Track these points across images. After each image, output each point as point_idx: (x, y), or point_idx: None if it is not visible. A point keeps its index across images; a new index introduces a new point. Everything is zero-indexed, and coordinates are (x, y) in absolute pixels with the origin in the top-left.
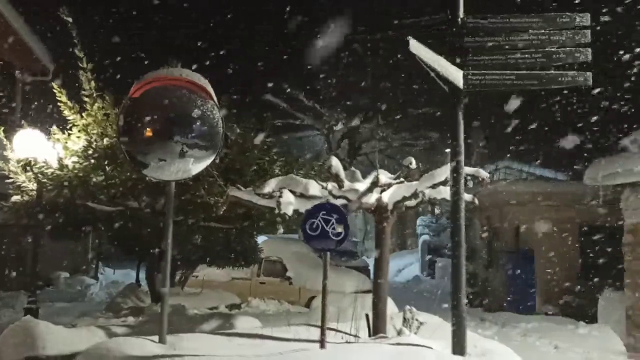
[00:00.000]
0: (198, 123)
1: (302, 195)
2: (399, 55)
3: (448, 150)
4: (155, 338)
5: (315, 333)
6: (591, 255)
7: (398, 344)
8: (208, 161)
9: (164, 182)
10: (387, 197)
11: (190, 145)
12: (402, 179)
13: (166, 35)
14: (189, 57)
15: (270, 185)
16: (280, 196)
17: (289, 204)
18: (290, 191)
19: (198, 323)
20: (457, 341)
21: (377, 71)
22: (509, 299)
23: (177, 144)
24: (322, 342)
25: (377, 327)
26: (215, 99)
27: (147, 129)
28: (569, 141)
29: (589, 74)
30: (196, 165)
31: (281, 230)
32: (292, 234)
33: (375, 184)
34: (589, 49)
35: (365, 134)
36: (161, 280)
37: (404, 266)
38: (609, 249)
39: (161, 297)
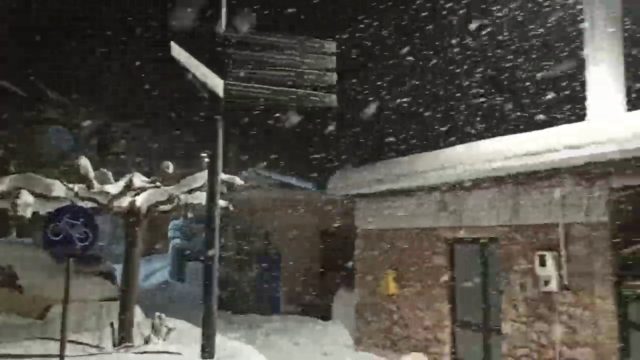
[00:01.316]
0: None
1: (43, 196)
2: (160, 54)
3: (205, 155)
4: None
5: (53, 347)
6: (330, 258)
7: (145, 352)
8: None
9: None
10: (141, 200)
11: None
12: (157, 183)
13: None
14: None
15: (3, 184)
16: (17, 197)
17: (27, 205)
18: (30, 191)
19: None
20: (207, 345)
21: (137, 71)
22: (256, 301)
23: None
24: (61, 357)
25: (123, 336)
26: None
27: None
28: (317, 153)
29: (334, 96)
30: None
31: (14, 234)
32: (27, 237)
33: (128, 187)
34: (335, 74)
35: (118, 134)
36: None
37: (154, 271)
38: (345, 253)
39: None
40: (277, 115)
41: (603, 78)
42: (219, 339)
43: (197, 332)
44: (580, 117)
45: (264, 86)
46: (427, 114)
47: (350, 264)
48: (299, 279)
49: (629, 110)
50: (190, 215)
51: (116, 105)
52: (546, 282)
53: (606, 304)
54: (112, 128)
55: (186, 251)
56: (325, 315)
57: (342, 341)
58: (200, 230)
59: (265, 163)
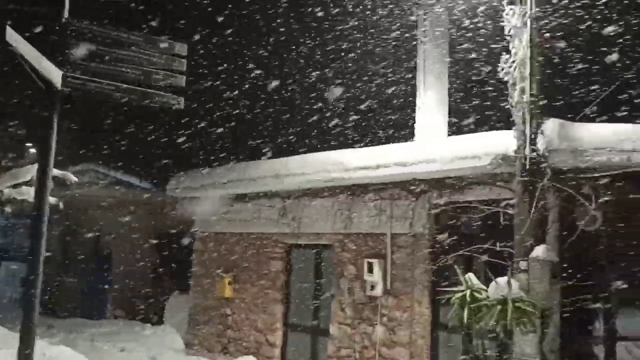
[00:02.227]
0: None
1: None
2: None
3: (32, 148)
4: None
5: None
6: (166, 260)
7: None
8: None
9: None
10: None
11: None
12: None
13: None
14: None
15: None
16: None
17: None
18: None
19: None
20: (25, 350)
21: None
22: (83, 304)
23: None
24: None
25: None
26: None
27: None
28: (160, 153)
29: (182, 98)
30: None
31: None
32: None
33: None
34: (184, 77)
35: None
36: None
37: None
38: (182, 256)
39: None
40: (120, 111)
41: (430, 105)
42: (38, 343)
43: (13, 336)
44: (411, 137)
45: (107, 81)
46: (269, 123)
47: (187, 267)
48: (130, 281)
49: (449, 135)
50: (8, 210)
51: None
52: (372, 287)
53: (422, 307)
54: None
55: (3, 250)
56: (157, 320)
57: (173, 345)
58: (22, 226)
59: (100, 162)
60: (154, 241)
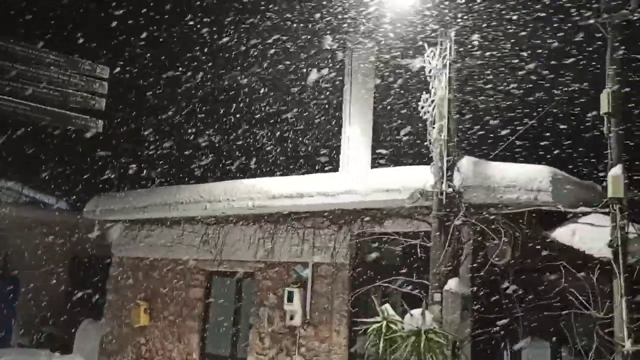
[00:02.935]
0: None
1: None
2: None
3: None
4: None
5: None
6: (78, 286)
7: None
8: None
9: None
10: None
11: None
12: None
13: None
14: None
15: None
16: None
17: None
18: None
19: None
20: None
21: None
22: None
23: None
24: None
25: None
26: None
27: None
28: (79, 173)
29: (101, 121)
30: None
31: None
32: None
33: None
34: (104, 99)
35: None
36: None
37: None
38: (96, 281)
39: None
40: (39, 129)
41: (355, 137)
42: None
43: None
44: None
45: (25, 102)
46: (189, 150)
47: (101, 293)
48: (40, 307)
49: (372, 167)
50: None
51: None
52: (292, 317)
53: (340, 337)
54: None
55: None
56: (66, 348)
57: None
58: None
59: (15, 180)
60: (67, 265)
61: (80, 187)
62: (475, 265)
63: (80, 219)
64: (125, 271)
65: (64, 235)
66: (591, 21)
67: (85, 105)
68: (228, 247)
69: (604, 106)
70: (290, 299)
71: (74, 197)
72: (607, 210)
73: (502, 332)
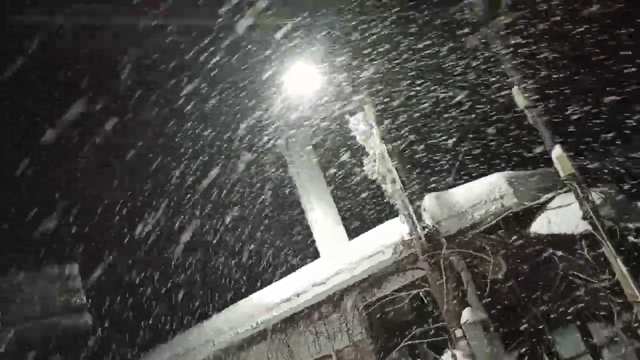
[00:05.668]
0: None
1: None
2: None
3: None
4: None
5: None
6: None
7: None
8: None
9: None
10: None
11: None
12: None
13: None
14: None
15: None
16: None
17: None
18: None
19: None
20: None
21: None
22: None
23: None
24: None
25: None
26: None
27: None
28: None
29: (90, 316)
30: None
31: None
32: None
33: None
34: (82, 293)
35: None
36: None
37: None
38: None
39: None
40: None
41: (322, 219)
42: None
43: None
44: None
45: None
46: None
47: None
48: None
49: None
50: None
51: None
52: None
53: None
54: None
55: None
56: None
57: None
58: None
59: None
60: None
61: None
62: (478, 288)
63: None
64: None
65: None
66: (475, 43)
67: (67, 306)
68: None
69: (520, 101)
70: None
71: None
72: (567, 189)
73: (533, 340)
